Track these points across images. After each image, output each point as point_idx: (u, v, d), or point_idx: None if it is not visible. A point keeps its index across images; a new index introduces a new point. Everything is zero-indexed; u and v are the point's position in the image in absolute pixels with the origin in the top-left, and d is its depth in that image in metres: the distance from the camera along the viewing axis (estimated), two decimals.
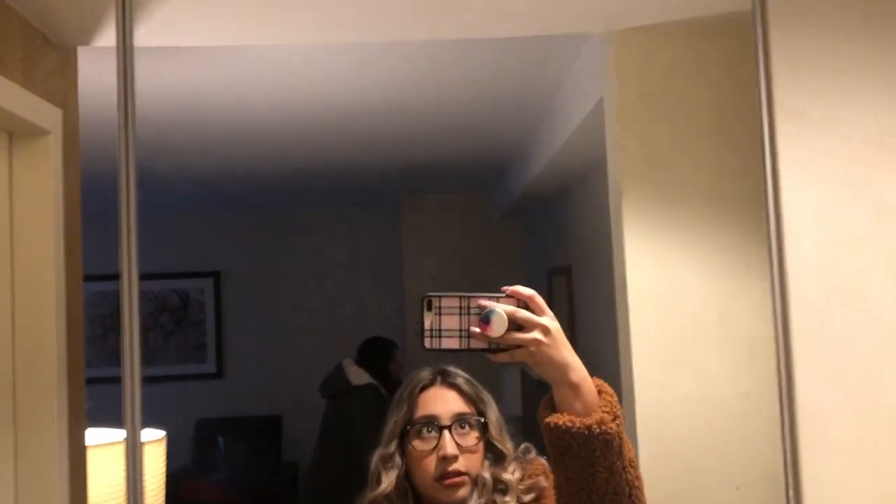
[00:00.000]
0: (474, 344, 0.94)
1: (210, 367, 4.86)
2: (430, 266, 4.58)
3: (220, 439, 4.55)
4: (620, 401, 1.00)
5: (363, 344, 3.27)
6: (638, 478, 1.00)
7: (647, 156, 1.59)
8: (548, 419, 0.96)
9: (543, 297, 0.96)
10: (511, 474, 1.21)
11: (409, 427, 1.21)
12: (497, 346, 0.94)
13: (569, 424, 0.94)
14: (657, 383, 1.89)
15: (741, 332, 1.55)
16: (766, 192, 1.21)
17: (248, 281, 4.92)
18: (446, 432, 1.19)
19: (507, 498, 1.19)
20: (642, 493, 1.01)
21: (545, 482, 1.20)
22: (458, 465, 1.18)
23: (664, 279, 1.68)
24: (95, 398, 1.51)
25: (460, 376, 1.26)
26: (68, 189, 1.34)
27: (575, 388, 0.96)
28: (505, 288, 0.95)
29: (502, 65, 2.43)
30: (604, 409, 0.96)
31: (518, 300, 0.95)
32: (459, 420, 1.20)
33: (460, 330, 0.94)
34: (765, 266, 1.46)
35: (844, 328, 1.19)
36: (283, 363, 4.81)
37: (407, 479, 1.21)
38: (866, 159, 1.20)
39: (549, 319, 0.95)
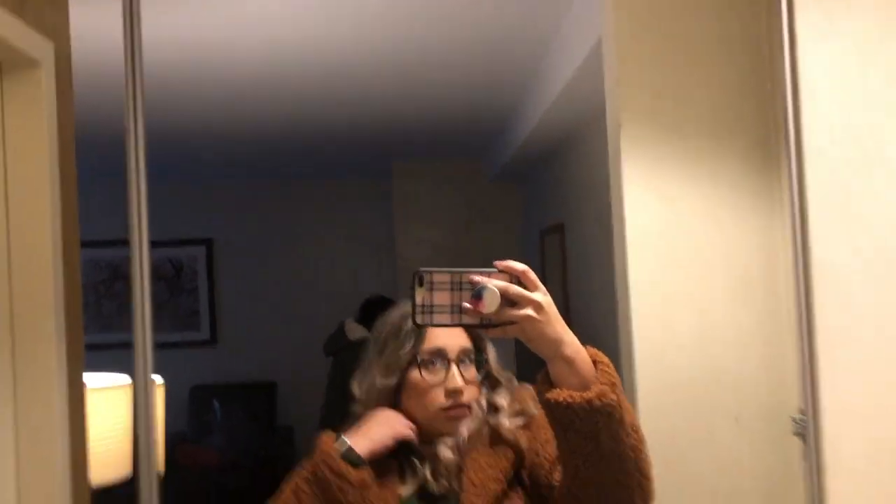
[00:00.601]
0: (466, 320, 0.93)
1: (203, 334, 4.86)
2: (422, 231, 4.57)
3: (216, 405, 4.56)
4: (616, 357, 1.01)
5: (364, 303, 3.30)
6: (641, 440, 1.01)
7: (647, 88, 1.57)
8: (548, 396, 0.97)
9: (535, 257, 0.96)
10: (503, 398, 1.23)
11: (417, 359, 1.21)
12: (489, 322, 0.93)
13: (569, 400, 0.95)
14: (657, 319, 1.88)
15: (742, 267, 1.55)
16: (784, 49, 1.19)
17: (241, 249, 4.91)
18: (454, 365, 1.20)
19: (500, 417, 1.21)
20: (646, 455, 1.02)
21: (534, 409, 1.21)
22: (463, 398, 1.20)
23: (664, 214, 1.67)
24: (91, 365, 1.51)
25: None
26: (62, 124, 1.32)
27: (570, 362, 0.96)
28: (497, 263, 0.94)
29: (494, 18, 2.41)
30: (602, 380, 0.97)
31: (510, 275, 0.94)
32: (466, 354, 1.21)
33: (452, 305, 0.93)
34: (767, 198, 1.46)
35: (863, 182, 1.18)
36: (276, 330, 4.81)
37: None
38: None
39: (541, 295, 0.94)
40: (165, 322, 4.81)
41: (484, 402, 1.22)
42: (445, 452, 1.20)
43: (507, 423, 1.21)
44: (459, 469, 1.19)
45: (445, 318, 0.93)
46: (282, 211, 4.92)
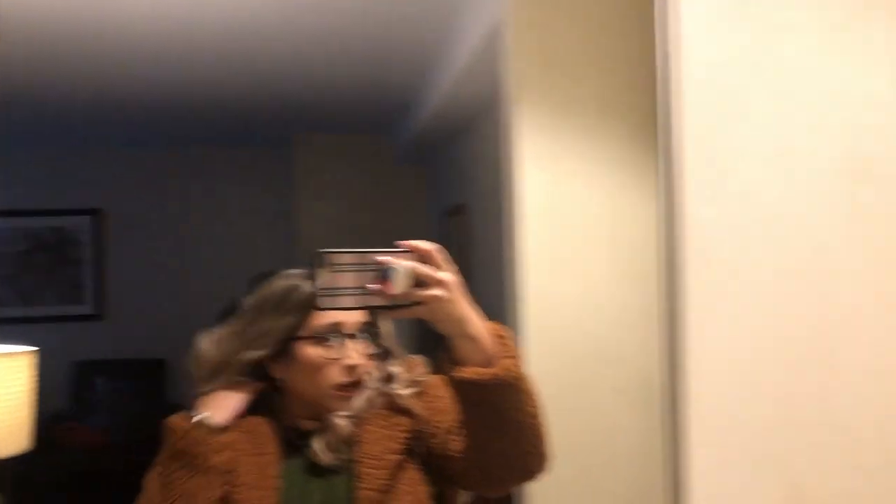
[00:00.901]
0: (372, 302, 0.91)
1: (87, 307, 4.63)
2: (324, 208, 4.50)
3: (99, 382, 4.36)
4: (513, 324, 1.02)
5: (255, 276, 3.21)
6: (540, 408, 1.04)
7: (541, 67, 1.59)
8: (456, 375, 0.97)
9: (440, 238, 0.95)
10: (396, 368, 1.22)
11: (311, 334, 1.18)
12: (395, 304, 0.91)
13: (476, 377, 0.96)
14: (545, 288, 1.90)
15: (627, 242, 1.59)
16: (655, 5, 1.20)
17: (131, 219, 4.70)
18: (349, 341, 1.17)
19: (395, 386, 1.20)
20: (544, 422, 1.05)
21: (425, 377, 1.22)
22: (357, 375, 1.18)
23: (555, 190, 1.69)
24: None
25: None
26: None
27: (475, 340, 0.96)
28: (403, 242, 0.92)
29: None
30: (506, 354, 0.98)
31: (417, 255, 0.92)
32: (362, 330, 1.19)
33: (357, 287, 0.90)
34: (654, 174, 1.50)
35: (735, 141, 1.20)
36: (168, 305, 4.64)
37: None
38: None
39: (448, 274, 0.94)
40: (46, 294, 4.56)
41: (377, 372, 1.20)
42: (340, 423, 1.19)
43: (402, 392, 1.20)
44: (354, 440, 1.17)
45: (351, 301, 0.90)
46: (176, 180, 4.73)
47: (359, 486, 1.14)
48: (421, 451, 1.20)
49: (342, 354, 1.17)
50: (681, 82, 1.21)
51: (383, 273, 0.89)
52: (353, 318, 1.19)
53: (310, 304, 1.18)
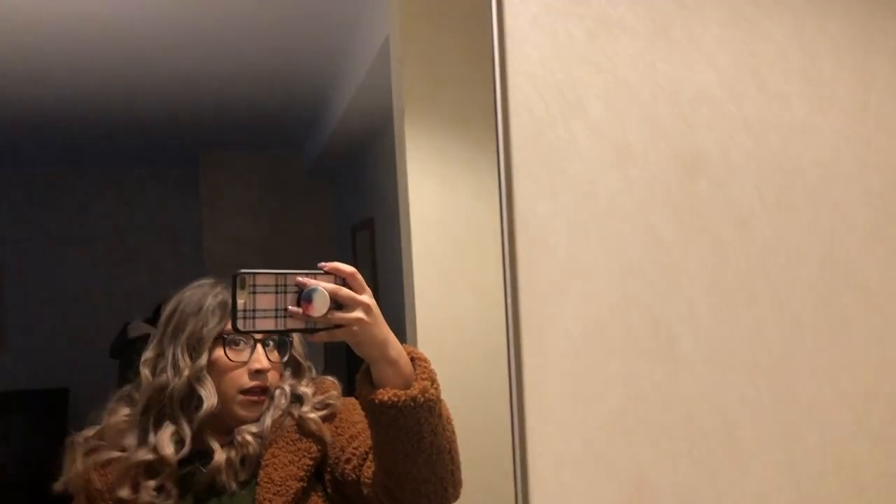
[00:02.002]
0: (291, 324, 0.90)
1: None
2: (232, 227, 4.41)
3: None
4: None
5: (160, 303, 3.12)
6: (454, 432, 1.04)
7: (429, 77, 1.58)
8: (373, 397, 0.96)
9: (348, 253, 0.94)
10: (306, 387, 1.19)
11: (223, 336, 1.14)
12: (315, 326, 0.91)
13: (395, 399, 0.95)
14: (437, 302, 1.90)
15: None
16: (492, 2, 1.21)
17: (29, 244, 4.52)
18: (259, 346, 1.15)
19: (304, 408, 1.17)
20: (457, 445, 1.05)
21: (338, 400, 1.20)
22: (265, 381, 1.15)
23: (446, 199, 1.68)
24: None
25: None
26: None
27: (394, 363, 0.96)
28: (323, 264, 0.92)
29: (298, 6, 2.35)
30: (422, 376, 0.98)
31: (336, 277, 0.92)
32: (272, 336, 1.16)
33: (276, 310, 0.89)
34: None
35: (568, 137, 1.22)
36: (71, 332, 4.46)
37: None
38: None
39: (369, 297, 0.93)
40: None
41: (288, 391, 1.17)
42: (248, 439, 1.14)
43: (312, 415, 1.17)
44: (258, 463, 1.14)
45: (270, 323, 0.89)
46: (79, 205, 4.58)
47: None
48: (329, 478, 1.17)
49: (250, 358, 1.14)
50: (511, 78, 1.22)
51: (305, 295, 0.89)
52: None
53: (224, 309, 1.16)
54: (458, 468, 1.06)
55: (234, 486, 1.13)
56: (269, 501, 1.12)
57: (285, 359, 1.18)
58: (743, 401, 1.27)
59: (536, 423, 1.20)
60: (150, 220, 4.66)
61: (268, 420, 1.16)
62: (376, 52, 2.41)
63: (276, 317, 0.90)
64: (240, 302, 0.88)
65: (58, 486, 1.15)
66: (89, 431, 1.18)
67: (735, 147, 1.28)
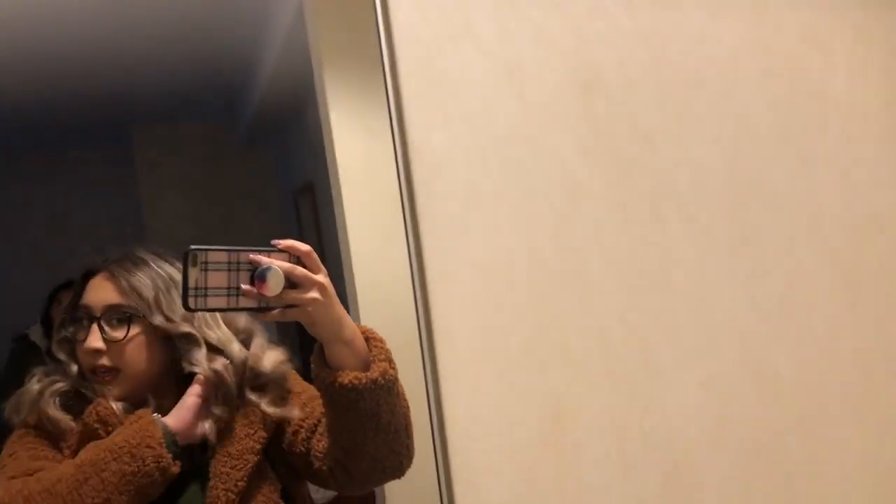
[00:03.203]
0: (244, 303, 0.87)
1: None
2: (172, 202, 4.31)
3: None
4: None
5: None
6: (409, 407, 1.02)
7: (346, 22, 1.52)
8: (333, 380, 0.94)
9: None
10: (253, 361, 1.13)
11: (67, 314, 1.11)
12: (267, 305, 0.87)
13: (355, 382, 0.93)
14: (373, 255, 1.87)
15: None
16: None
17: None
18: (94, 325, 1.08)
19: (251, 383, 1.11)
20: (411, 420, 1.03)
21: (285, 371, 1.15)
22: (104, 361, 1.09)
23: (372, 150, 1.64)
24: None
25: (134, 267, 1.14)
26: None
27: (349, 343, 0.94)
28: (277, 242, 0.89)
29: None
30: (380, 357, 0.96)
31: (291, 255, 0.89)
32: (111, 312, 1.09)
33: (229, 288, 0.86)
34: None
35: (457, 62, 1.18)
36: (12, 320, 4.36)
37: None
38: None
39: (324, 277, 0.91)
40: None
41: (232, 364, 1.11)
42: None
43: (269, 409, 1.11)
44: (209, 439, 1.08)
45: (222, 302, 0.86)
46: (6, 190, 4.44)
47: (215, 486, 1.07)
48: (277, 449, 1.13)
49: (86, 339, 1.08)
50: (393, 3, 1.16)
51: (259, 273, 0.86)
52: (101, 298, 1.10)
53: (82, 277, 1.12)
54: (412, 440, 1.05)
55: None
56: (227, 475, 1.08)
57: (134, 337, 1.09)
58: (658, 320, 1.25)
59: (448, 360, 1.17)
60: (86, 203, 4.54)
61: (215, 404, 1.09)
62: (293, 13, 2.33)
63: (229, 295, 0.87)
64: (191, 279, 0.85)
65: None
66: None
67: (632, 62, 1.25)
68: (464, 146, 1.18)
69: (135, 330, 1.11)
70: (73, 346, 1.13)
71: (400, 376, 1.27)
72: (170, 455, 1.01)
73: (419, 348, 1.18)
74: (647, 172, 1.25)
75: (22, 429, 1.09)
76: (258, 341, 1.17)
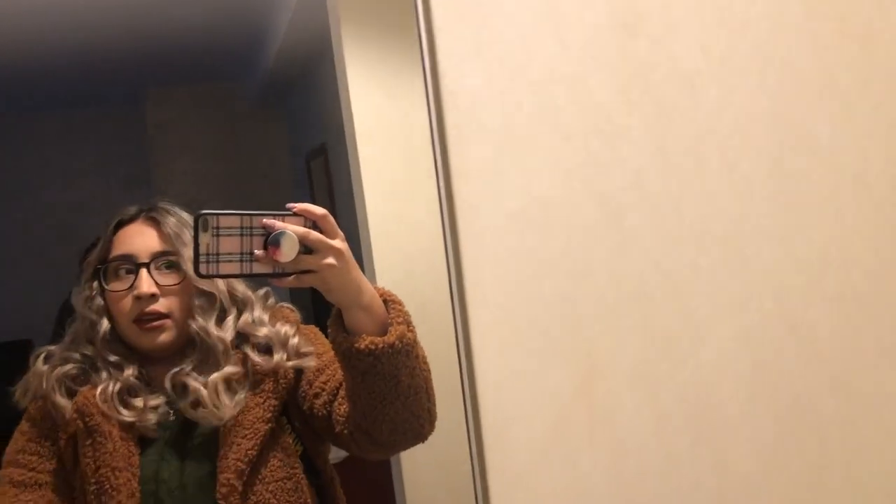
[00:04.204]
0: (257, 268, 0.85)
1: None
2: (183, 165, 4.27)
3: None
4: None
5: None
6: (429, 370, 1.00)
7: None
8: (349, 345, 0.92)
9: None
10: (272, 328, 1.13)
11: (101, 266, 1.11)
12: (283, 271, 0.86)
13: (372, 347, 0.91)
14: (391, 216, 1.86)
15: None
16: None
17: None
18: (143, 271, 1.09)
19: (277, 355, 1.11)
20: (432, 383, 1.01)
21: (299, 330, 1.15)
22: (158, 306, 1.09)
23: (391, 109, 1.61)
24: None
25: (168, 212, 1.15)
26: None
27: (367, 308, 0.92)
28: (292, 205, 0.86)
29: None
30: (398, 320, 0.94)
31: (306, 219, 0.87)
32: (159, 258, 1.10)
33: (241, 253, 0.84)
34: None
35: (493, 3, 1.14)
36: (29, 281, 4.36)
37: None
38: None
39: (341, 242, 0.89)
40: None
41: (217, 332, 1.11)
42: (194, 384, 1.09)
43: (290, 363, 1.11)
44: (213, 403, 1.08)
45: (234, 268, 0.84)
46: (15, 150, 4.42)
47: (225, 455, 1.06)
48: (296, 412, 1.13)
49: (134, 285, 1.09)
50: None
51: (273, 238, 0.84)
52: (146, 245, 1.10)
53: (113, 227, 1.13)
54: (434, 403, 1.03)
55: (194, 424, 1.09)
56: (237, 445, 1.07)
57: (180, 283, 1.11)
58: (695, 270, 1.22)
59: (479, 309, 1.14)
60: (98, 164, 4.51)
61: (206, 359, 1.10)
62: None
63: (242, 261, 0.85)
64: (202, 244, 0.83)
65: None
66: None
67: (676, 3, 1.20)
68: (499, 89, 1.14)
69: (182, 275, 1.11)
70: (101, 302, 1.11)
71: (429, 327, 1.25)
72: None
73: (448, 298, 1.15)
74: (688, 118, 1.20)
75: (25, 423, 1.10)
76: (258, 306, 1.15)
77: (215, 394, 1.07)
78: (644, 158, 1.19)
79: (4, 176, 4.57)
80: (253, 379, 1.11)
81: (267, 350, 1.12)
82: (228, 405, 1.06)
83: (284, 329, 1.12)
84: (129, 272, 1.10)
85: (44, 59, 3.45)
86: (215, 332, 1.10)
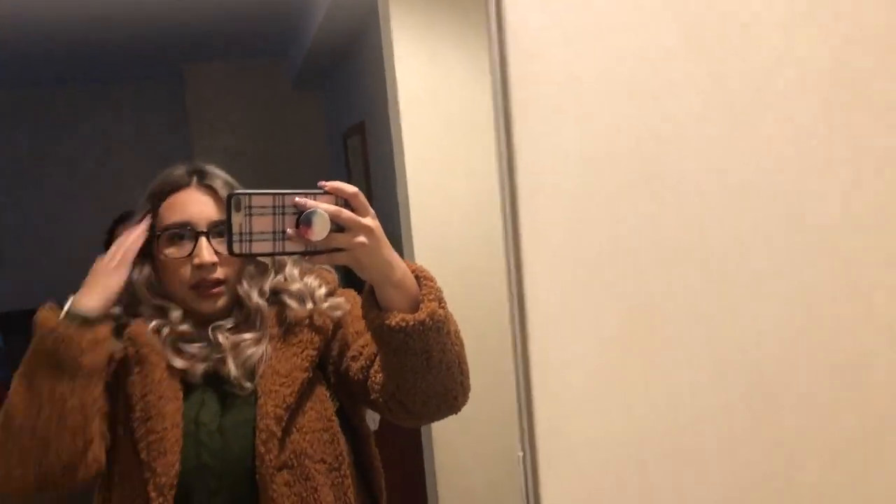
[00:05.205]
0: (290, 247, 0.86)
1: None
2: (221, 140, 4.33)
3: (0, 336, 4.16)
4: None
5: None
6: (462, 344, 1.02)
7: None
8: (381, 321, 0.94)
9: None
10: (309, 279, 1.19)
11: (160, 233, 1.15)
12: (315, 249, 0.87)
13: (403, 324, 0.92)
14: (431, 185, 1.86)
15: None
16: None
17: (14, 165, 4.45)
18: (203, 239, 1.12)
19: (308, 305, 1.16)
20: (465, 357, 1.03)
21: (347, 305, 1.18)
22: (218, 274, 1.13)
23: (435, 77, 1.61)
24: None
25: (219, 178, 1.19)
26: None
27: (399, 285, 0.93)
28: (323, 183, 0.88)
29: None
30: (429, 297, 0.95)
31: (337, 197, 0.88)
32: (217, 227, 1.14)
33: (274, 232, 0.86)
34: None
35: None
36: (67, 251, 4.43)
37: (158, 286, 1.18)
38: None
39: (372, 220, 0.90)
40: None
41: (261, 289, 1.19)
42: (226, 341, 1.15)
43: (322, 307, 1.16)
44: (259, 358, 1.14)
45: (267, 247, 0.86)
46: (60, 122, 4.49)
47: (264, 403, 1.10)
48: (333, 369, 1.16)
49: (193, 253, 1.12)
50: None
51: (305, 217, 0.85)
52: (206, 214, 1.14)
53: (165, 197, 1.15)
54: (467, 377, 1.05)
55: (234, 375, 1.13)
56: (275, 393, 1.10)
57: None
58: (754, 223, 1.21)
59: (533, 253, 1.14)
60: (137, 137, 4.57)
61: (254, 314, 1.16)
62: None
63: (275, 240, 0.86)
64: (235, 224, 0.84)
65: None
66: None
67: None
68: (562, 30, 1.14)
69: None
70: (150, 268, 1.16)
71: (482, 268, 1.24)
72: (66, 321, 1.05)
73: (503, 238, 1.16)
74: (748, 67, 1.20)
75: None
76: (290, 264, 1.21)
77: (238, 352, 1.13)
78: (706, 108, 1.19)
79: (46, 148, 4.65)
80: (289, 329, 1.13)
81: (301, 300, 1.16)
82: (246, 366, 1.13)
83: (311, 281, 1.17)
84: (184, 238, 1.13)
85: (85, 34, 3.50)
86: (255, 299, 1.15)
